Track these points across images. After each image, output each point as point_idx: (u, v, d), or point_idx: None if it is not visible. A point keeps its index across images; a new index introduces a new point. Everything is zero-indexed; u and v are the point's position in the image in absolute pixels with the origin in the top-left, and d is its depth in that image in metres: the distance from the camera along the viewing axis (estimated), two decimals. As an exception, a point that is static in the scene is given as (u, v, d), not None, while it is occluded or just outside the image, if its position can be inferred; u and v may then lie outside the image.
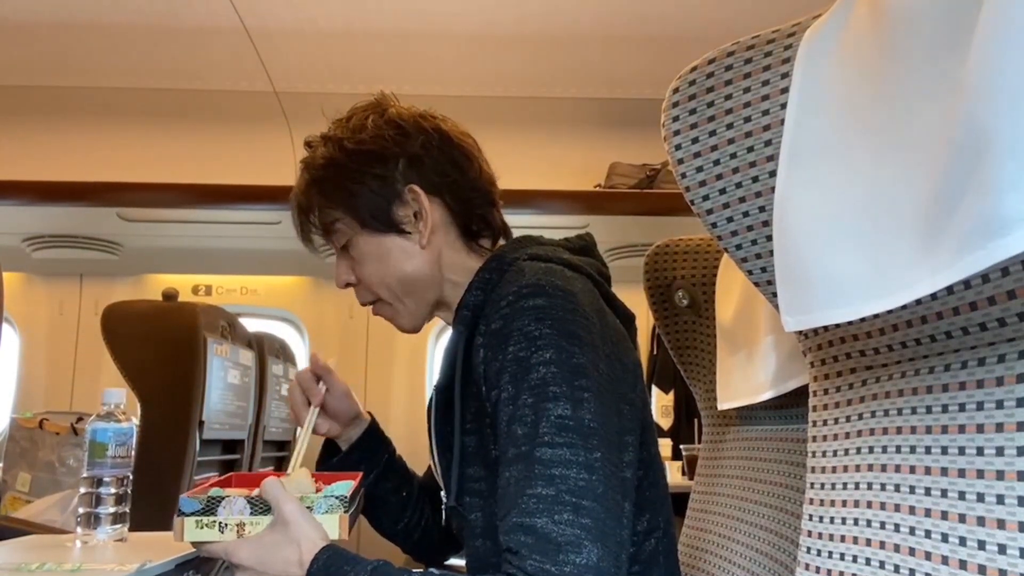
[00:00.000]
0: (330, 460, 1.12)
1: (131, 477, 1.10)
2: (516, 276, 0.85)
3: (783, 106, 0.65)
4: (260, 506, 0.84)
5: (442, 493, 1.01)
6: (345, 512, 0.85)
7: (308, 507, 0.84)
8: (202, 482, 0.89)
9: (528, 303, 0.80)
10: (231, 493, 0.88)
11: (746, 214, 0.69)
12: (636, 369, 0.91)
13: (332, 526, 0.84)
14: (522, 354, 0.79)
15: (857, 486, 0.61)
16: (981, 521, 0.50)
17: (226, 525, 0.84)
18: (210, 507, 0.84)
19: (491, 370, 0.82)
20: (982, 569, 0.49)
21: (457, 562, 1.19)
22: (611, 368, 0.83)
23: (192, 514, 0.84)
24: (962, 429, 0.52)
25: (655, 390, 3.35)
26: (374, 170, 0.95)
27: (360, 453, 1.12)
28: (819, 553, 0.63)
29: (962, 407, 0.53)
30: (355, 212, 0.96)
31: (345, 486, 0.93)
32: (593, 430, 0.76)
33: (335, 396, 1.08)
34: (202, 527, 0.84)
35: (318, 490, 0.94)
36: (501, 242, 1.04)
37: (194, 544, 0.86)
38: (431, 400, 0.97)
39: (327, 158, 0.97)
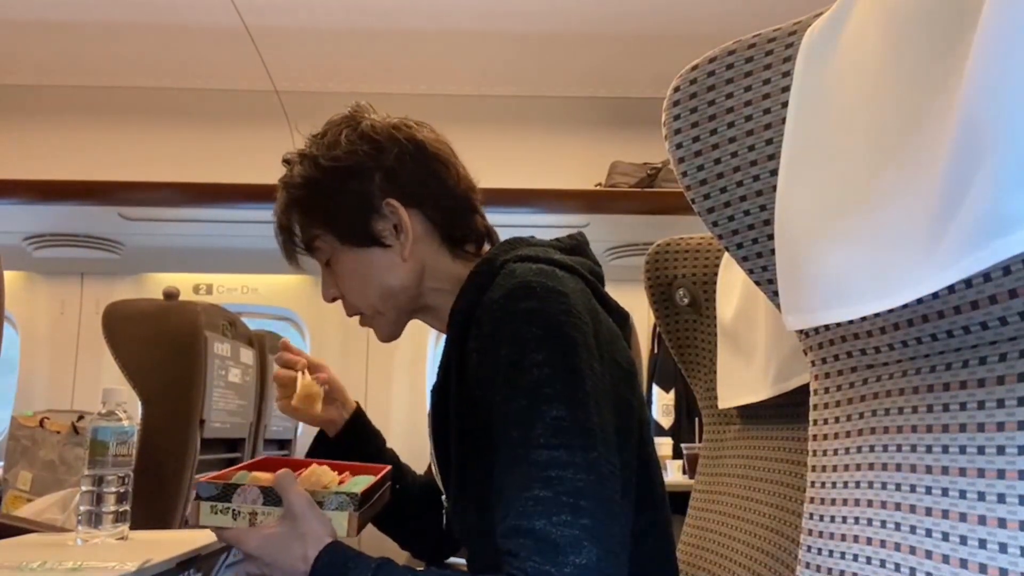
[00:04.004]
0: (320, 451, 1.15)
1: (132, 476, 1.10)
2: (506, 279, 0.84)
3: (784, 105, 0.65)
4: (273, 497, 0.87)
5: (443, 497, 1.02)
6: (355, 510, 0.86)
7: (319, 502, 0.85)
8: (212, 475, 0.92)
9: (519, 305, 0.80)
10: (260, 476, 0.91)
11: (747, 213, 0.69)
12: (631, 368, 0.91)
13: (340, 523, 0.86)
14: (515, 357, 0.78)
15: (858, 485, 0.61)
16: (982, 520, 0.50)
17: (239, 513, 0.87)
18: (225, 494, 0.87)
19: (485, 374, 0.82)
20: (983, 568, 0.49)
21: (457, 561, 1.20)
22: (605, 368, 0.83)
23: (208, 499, 0.87)
24: (963, 428, 0.52)
25: (656, 389, 3.35)
26: (350, 186, 0.95)
27: (348, 441, 1.15)
28: (820, 552, 0.63)
29: (963, 406, 0.53)
30: (334, 229, 0.97)
31: (364, 481, 0.94)
32: (589, 430, 0.76)
33: (315, 370, 1.11)
34: (216, 513, 0.87)
35: (341, 481, 0.96)
36: (486, 246, 1.03)
37: (211, 529, 0.89)
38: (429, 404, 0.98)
39: (304, 176, 0.97)
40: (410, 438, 1.31)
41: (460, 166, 1.00)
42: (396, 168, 0.95)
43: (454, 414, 0.90)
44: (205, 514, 0.87)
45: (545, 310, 0.80)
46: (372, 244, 0.96)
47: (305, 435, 3.18)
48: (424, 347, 3.54)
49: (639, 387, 0.92)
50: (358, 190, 0.95)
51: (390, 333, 1.03)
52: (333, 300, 1.03)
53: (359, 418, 1.17)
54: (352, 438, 1.15)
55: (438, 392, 0.95)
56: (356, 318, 1.04)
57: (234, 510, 0.86)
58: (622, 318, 0.96)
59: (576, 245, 1.00)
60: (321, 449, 1.16)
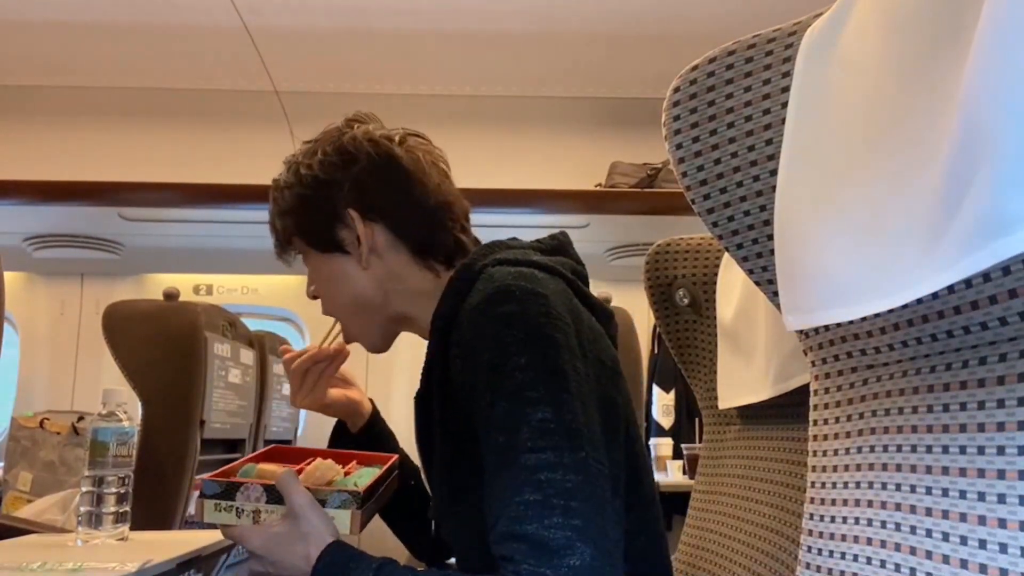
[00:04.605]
0: (338, 443, 1.16)
1: (132, 476, 1.10)
2: (486, 283, 0.84)
3: (784, 105, 0.65)
4: (277, 495, 0.88)
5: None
6: (358, 508, 0.86)
7: (322, 500, 0.86)
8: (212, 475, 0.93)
9: (498, 309, 0.80)
10: (267, 469, 0.92)
11: (747, 213, 0.69)
12: (615, 366, 0.91)
13: (343, 521, 0.86)
14: (497, 361, 0.78)
15: (858, 485, 0.61)
16: (982, 520, 0.50)
17: (243, 511, 0.88)
18: (229, 492, 0.89)
19: (467, 380, 0.82)
20: (983, 568, 0.49)
21: (458, 561, 1.20)
22: (589, 367, 0.83)
23: (212, 497, 0.88)
24: (963, 428, 0.52)
25: (656, 389, 3.35)
26: (319, 194, 0.99)
27: (367, 440, 1.16)
28: (820, 552, 0.63)
29: (963, 406, 0.53)
30: (303, 233, 1.02)
31: (369, 474, 0.95)
32: (575, 431, 0.76)
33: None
34: (220, 510, 0.88)
35: (347, 472, 0.96)
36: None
37: (218, 525, 0.90)
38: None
39: (285, 181, 1.03)
40: (410, 440, 1.32)
41: (432, 182, 1.00)
42: (363, 180, 0.98)
43: (438, 420, 0.90)
44: (209, 511, 0.88)
45: (525, 313, 0.80)
46: (335, 250, 1.00)
47: (305, 437, 3.18)
48: (424, 349, 3.53)
49: (624, 385, 0.92)
50: (326, 198, 0.99)
51: (370, 343, 1.05)
52: (314, 298, 1.06)
53: (376, 417, 1.19)
54: (373, 435, 1.16)
55: (421, 399, 0.96)
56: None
57: (238, 508, 0.88)
58: (606, 316, 0.96)
59: (557, 245, 1.00)
60: (340, 444, 1.17)
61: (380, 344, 1.05)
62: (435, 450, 0.92)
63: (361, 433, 1.16)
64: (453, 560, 1.21)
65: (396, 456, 1.09)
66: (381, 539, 1.17)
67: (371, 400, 1.20)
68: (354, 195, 0.98)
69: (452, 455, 0.89)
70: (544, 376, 0.77)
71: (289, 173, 1.02)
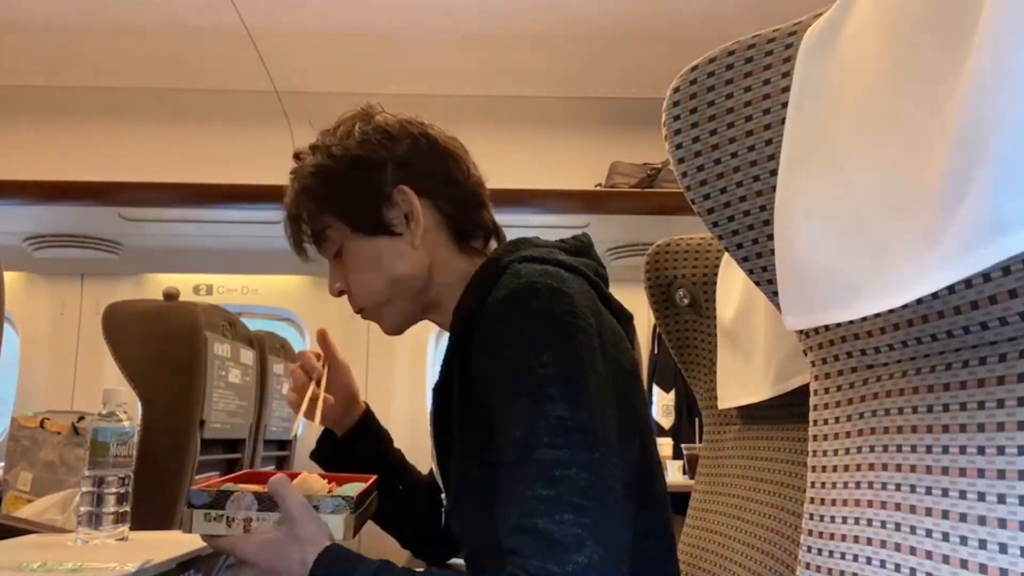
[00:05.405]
0: (326, 449, 1.14)
1: (132, 476, 1.10)
2: (511, 279, 0.84)
3: (784, 105, 0.65)
4: (268, 503, 0.86)
5: (443, 495, 1.02)
6: (352, 513, 0.85)
7: (315, 506, 0.85)
8: (204, 480, 0.91)
9: (524, 306, 0.80)
10: (246, 488, 0.89)
11: (747, 213, 0.69)
12: (634, 369, 0.91)
13: (337, 526, 0.85)
14: (519, 357, 0.78)
15: (858, 485, 0.61)
16: (982, 520, 0.50)
17: (233, 520, 0.86)
18: (219, 501, 0.86)
19: (488, 374, 0.82)
20: (983, 568, 0.49)
21: (458, 562, 1.20)
22: (608, 368, 0.83)
23: (201, 507, 0.86)
24: (963, 428, 0.52)
25: (656, 389, 3.35)
26: (362, 174, 0.96)
27: (356, 441, 1.15)
28: (820, 552, 0.63)
29: (963, 406, 0.53)
30: (345, 216, 0.97)
31: (355, 487, 0.93)
32: (592, 430, 0.76)
33: (338, 372, 1.12)
34: (210, 520, 0.86)
35: (330, 491, 0.95)
36: (493, 243, 1.04)
37: (202, 537, 0.88)
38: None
39: (316, 165, 0.98)
40: (410, 438, 1.31)
41: (471, 163, 1.02)
42: (408, 158, 0.97)
43: (456, 413, 0.90)
44: (199, 522, 0.85)
45: (550, 311, 0.80)
46: (382, 232, 0.96)
47: (306, 435, 3.18)
48: (424, 347, 3.54)
49: (642, 388, 0.92)
50: (370, 178, 0.96)
51: (394, 326, 1.03)
52: (340, 294, 1.03)
53: (367, 418, 1.17)
54: (359, 439, 1.15)
55: (440, 391, 0.95)
56: (355, 319, 1.05)
57: (228, 517, 0.85)
58: (626, 319, 0.97)
59: (581, 246, 1.00)
60: (326, 447, 1.16)
61: (403, 328, 1.03)
62: (451, 442, 0.92)
63: (343, 439, 1.15)
64: (454, 560, 1.21)
65: (375, 477, 1.07)
66: (380, 540, 1.17)
67: (366, 404, 1.18)
68: (401, 173, 0.96)
69: (468, 448, 0.89)
70: (565, 374, 0.77)
71: (317, 157, 0.98)
